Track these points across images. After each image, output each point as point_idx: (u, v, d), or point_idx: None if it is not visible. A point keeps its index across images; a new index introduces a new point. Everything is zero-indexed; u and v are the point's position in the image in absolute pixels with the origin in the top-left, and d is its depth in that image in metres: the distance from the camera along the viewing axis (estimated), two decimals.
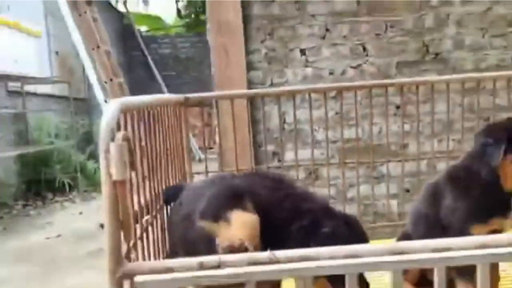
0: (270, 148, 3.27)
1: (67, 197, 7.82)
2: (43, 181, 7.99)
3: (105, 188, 1.13)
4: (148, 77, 12.30)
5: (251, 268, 1.10)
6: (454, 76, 3.08)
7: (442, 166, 3.17)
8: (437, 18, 3.28)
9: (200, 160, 9.58)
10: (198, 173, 2.77)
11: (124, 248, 1.23)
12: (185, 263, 1.15)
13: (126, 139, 1.14)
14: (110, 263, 1.14)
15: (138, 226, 1.44)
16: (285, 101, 2.96)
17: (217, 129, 3.13)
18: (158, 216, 1.75)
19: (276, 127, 3.21)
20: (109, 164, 1.12)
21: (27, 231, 5.79)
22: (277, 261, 1.14)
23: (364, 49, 3.29)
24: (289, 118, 3.19)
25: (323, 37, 3.28)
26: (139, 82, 11.67)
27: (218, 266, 1.13)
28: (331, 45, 3.29)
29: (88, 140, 9.75)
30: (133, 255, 1.30)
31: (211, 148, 7.49)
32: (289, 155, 3.17)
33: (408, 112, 3.15)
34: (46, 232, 5.66)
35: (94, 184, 8.51)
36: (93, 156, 9.25)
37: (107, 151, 1.12)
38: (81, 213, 6.70)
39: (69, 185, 8.10)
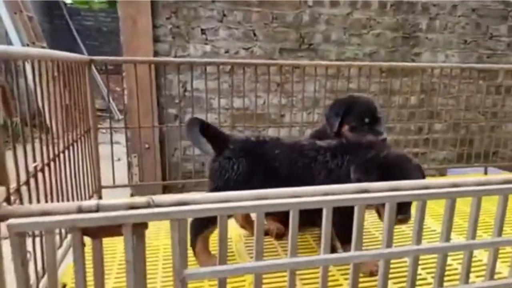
0: (172, 111, 3.06)
1: None
2: None
3: None
4: (72, 45, 11.01)
5: (128, 212, 0.95)
6: (321, 62, 3.12)
7: (308, 133, 3.25)
8: (311, 16, 3.27)
9: (119, 120, 8.93)
10: (103, 128, 2.50)
11: (1, 191, 1.00)
12: (63, 206, 0.97)
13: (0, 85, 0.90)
14: None
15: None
16: (186, 72, 2.77)
17: (125, 92, 2.84)
18: (52, 164, 1.49)
19: (178, 94, 3.01)
20: None
21: None
22: (155, 205, 1.00)
23: (254, 34, 3.18)
24: (190, 87, 3.00)
25: (221, 21, 3.09)
26: (63, 49, 10.40)
27: (97, 210, 0.96)
28: (227, 28, 3.12)
29: None
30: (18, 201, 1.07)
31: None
32: (187, 118, 2.99)
33: (285, 89, 3.13)
34: None
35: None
36: None
37: None
38: None
39: None
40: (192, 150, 3.00)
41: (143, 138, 2.90)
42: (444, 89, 3.51)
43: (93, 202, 0.95)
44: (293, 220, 1.07)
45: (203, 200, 1.00)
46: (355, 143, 1.56)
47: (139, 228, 0.99)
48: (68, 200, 1.67)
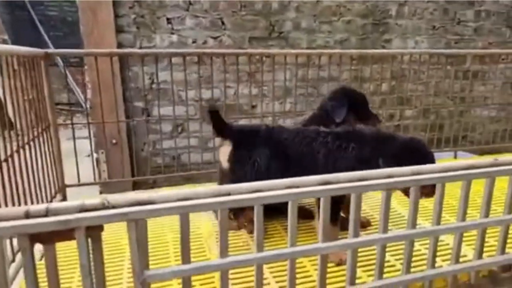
0: (139, 104, 2.97)
1: None
2: None
3: None
4: (35, 36, 10.53)
5: (80, 215, 0.90)
6: (291, 50, 3.10)
7: (281, 122, 3.23)
8: (280, 3, 3.23)
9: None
10: (64, 124, 2.39)
11: None
12: (10, 212, 0.91)
13: None
14: None
15: None
16: (152, 64, 2.69)
17: (88, 85, 2.73)
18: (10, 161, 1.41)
19: (145, 86, 2.92)
20: None
21: None
22: (111, 206, 0.96)
23: (223, 23, 3.11)
24: (156, 79, 2.91)
25: (187, 9, 3.00)
26: (26, 41, 9.92)
27: (46, 214, 0.91)
28: (194, 17, 3.04)
29: None
30: None
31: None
32: (156, 111, 2.92)
33: (256, 79, 3.09)
34: None
35: None
36: None
37: None
38: None
39: None
40: (161, 144, 2.93)
41: (110, 133, 2.82)
42: (414, 75, 3.55)
43: (42, 206, 0.90)
44: (257, 215, 1.05)
45: (161, 199, 0.96)
46: (373, 131, 1.61)
47: (94, 230, 0.94)
48: (26, 202, 1.59)
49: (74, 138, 2.20)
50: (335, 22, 3.39)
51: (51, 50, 2.01)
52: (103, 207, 0.94)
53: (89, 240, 0.93)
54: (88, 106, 2.78)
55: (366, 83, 3.46)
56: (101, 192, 2.81)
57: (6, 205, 1.38)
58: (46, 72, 1.96)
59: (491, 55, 3.60)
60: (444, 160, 3.07)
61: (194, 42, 3.05)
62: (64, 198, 2.18)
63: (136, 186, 2.91)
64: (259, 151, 1.61)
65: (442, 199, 1.19)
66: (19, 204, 1.53)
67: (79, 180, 2.28)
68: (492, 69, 3.79)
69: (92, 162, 2.62)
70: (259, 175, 1.55)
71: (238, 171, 1.62)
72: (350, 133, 1.58)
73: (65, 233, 0.89)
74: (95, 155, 2.83)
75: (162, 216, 0.98)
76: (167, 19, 2.97)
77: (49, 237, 0.90)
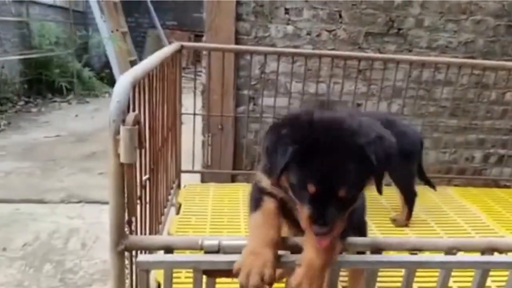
0: (248, 92, 3.02)
1: (64, 99, 7.27)
2: (43, 82, 7.35)
3: (112, 168, 0.91)
4: (146, 17, 10.81)
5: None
6: (404, 56, 2.88)
7: None
8: None
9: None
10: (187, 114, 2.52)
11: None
12: (185, 241, 0.98)
13: (137, 122, 0.90)
14: (114, 237, 0.95)
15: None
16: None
17: (205, 73, 2.82)
18: (154, 168, 1.53)
19: (256, 75, 2.94)
20: (117, 146, 0.89)
21: (29, 128, 5.38)
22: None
23: (340, 16, 2.97)
24: (267, 70, 2.91)
25: (306, 0, 2.91)
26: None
27: (217, 250, 0.96)
28: (311, 8, 2.94)
29: (85, 49, 8.90)
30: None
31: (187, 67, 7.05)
32: (263, 101, 2.95)
33: (366, 76, 2.96)
34: (45, 130, 5.28)
35: (88, 89, 7.94)
36: (89, 64, 8.52)
37: (117, 133, 0.88)
38: (76, 115, 6.28)
39: (66, 88, 7.49)
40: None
41: (218, 118, 2.92)
42: None
43: (214, 242, 0.95)
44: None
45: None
46: None
47: None
48: (159, 195, 1.73)
49: (194, 128, 2.32)
50: (463, 20, 3.06)
51: (186, 43, 2.09)
52: None
53: None
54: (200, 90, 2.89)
55: (488, 90, 3.13)
56: (202, 178, 2.95)
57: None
58: (180, 66, 2.06)
59: None
60: None
61: (308, 34, 2.97)
62: (179, 183, 2.34)
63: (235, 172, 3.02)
64: None
65: None
66: (157, 193, 1.65)
67: (193, 167, 2.42)
68: None
69: (201, 144, 2.75)
70: None
71: None
72: None
73: (230, 271, 0.94)
74: (202, 137, 2.97)
75: None
76: (285, 9, 2.91)
77: (215, 273, 0.96)
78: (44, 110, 6.51)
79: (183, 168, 2.44)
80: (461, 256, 1.00)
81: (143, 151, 1.24)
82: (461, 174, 3.29)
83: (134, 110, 1.07)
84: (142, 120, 1.05)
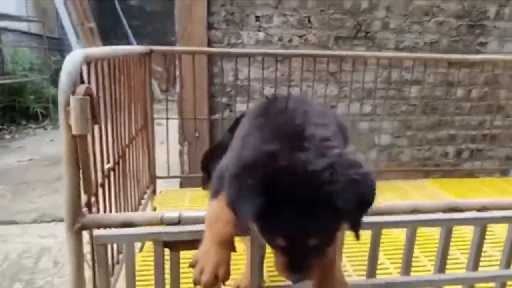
0: (222, 100, 3.01)
1: (40, 125, 7.09)
2: (17, 109, 7.18)
3: (64, 141, 0.87)
4: (116, 24, 11.11)
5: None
6: (376, 53, 2.96)
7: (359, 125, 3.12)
8: (370, 2, 3.08)
9: (159, 100, 9.02)
10: (158, 118, 2.49)
11: (83, 199, 0.99)
12: (145, 217, 0.94)
13: (88, 93, 0.87)
14: (69, 215, 0.90)
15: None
16: (238, 61, 2.72)
17: (178, 80, 2.82)
18: (120, 162, 1.49)
19: (229, 82, 2.95)
20: (68, 118, 0.85)
21: (1, 154, 5.21)
22: None
23: (309, 21, 3.04)
24: (240, 76, 2.93)
25: (276, 7, 2.97)
26: (109, 29, 10.50)
27: (178, 222, 0.93)
28: (281, 15, 3.00)
29: (60, 75, 8.79)
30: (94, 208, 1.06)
31: (168, 90, 7.09)
32: (238, 107, 2.94)
33: (337, 79, 3.01)
34: (18, 155, 5.11)
35: None
36: None
37: (67, 104, 0.85)
38: (52, 140, 6.11)
39: (42, 114, 7.33)
40: None
41: (193, 127, 2.89)
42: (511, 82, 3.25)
43: (175, 213, 0.92)
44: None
45: None
46: None
47: None
48: (129, 197, 1.68)
49: (167, 132, 2.28)
50: (426, 22, 3.17)
51: (155, 47, 2.09)
52: None
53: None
54: (159, 93, 2.87)
55: (454, 88, 3.22)
56: (181, 184, 2.91)
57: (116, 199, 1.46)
58: (150, 69, 2.04)
59: None
60: None
61: (280, 40, 3.01)
62: (155, 189, 2.28)
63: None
64: None
65: None
66: (125, 194, 1.60)
67: (168, 173, 2.37)
68: None
69: (179, 153, 2.72)
70: None
71: None
72: None
73: (193, 243, 0.90)
74: (179, 147, 2.93)
75: None
76: (256, 16, 2.97)
77: (177, 245, 0.92)
78: (17, 136, 6.34)
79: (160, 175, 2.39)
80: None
81: (104, 136, 1.20)
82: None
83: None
84: (95, 95, 1.02)
